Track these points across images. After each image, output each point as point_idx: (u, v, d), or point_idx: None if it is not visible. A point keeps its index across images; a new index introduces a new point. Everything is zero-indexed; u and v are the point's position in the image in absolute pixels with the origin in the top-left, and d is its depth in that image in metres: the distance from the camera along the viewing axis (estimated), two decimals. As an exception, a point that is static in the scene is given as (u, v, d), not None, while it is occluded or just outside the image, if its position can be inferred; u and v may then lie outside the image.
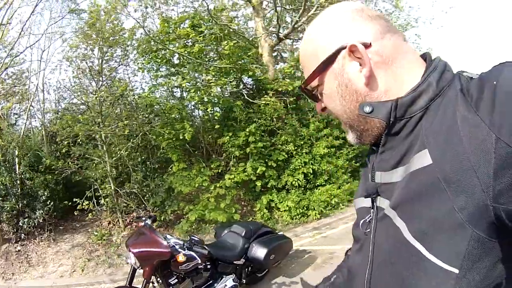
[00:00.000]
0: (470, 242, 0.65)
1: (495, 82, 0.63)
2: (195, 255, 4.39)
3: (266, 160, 9.16)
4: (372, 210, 0.93)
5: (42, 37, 10.75)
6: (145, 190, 8.29)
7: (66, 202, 7.66)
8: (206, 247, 4.66)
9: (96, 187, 8.00)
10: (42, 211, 7.43)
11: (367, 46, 0.81)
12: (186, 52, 8.07)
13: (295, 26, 9.78)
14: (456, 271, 0.68)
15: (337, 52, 0.85)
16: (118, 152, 8.18)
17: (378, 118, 0.83)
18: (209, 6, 8.14)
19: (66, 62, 9.00)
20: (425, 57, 0.88)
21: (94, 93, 8.34)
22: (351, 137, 0.95)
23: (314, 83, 0.92)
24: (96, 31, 8.20)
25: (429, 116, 0.77)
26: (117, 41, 8.84)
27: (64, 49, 9.36)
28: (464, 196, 0.64)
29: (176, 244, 4.33)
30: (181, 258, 4.16)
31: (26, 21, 9.53)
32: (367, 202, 0.97)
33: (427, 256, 0.70)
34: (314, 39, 0.91)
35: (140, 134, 8.22)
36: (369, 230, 0.93)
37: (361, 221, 0.97)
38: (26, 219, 7.38)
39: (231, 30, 9.15)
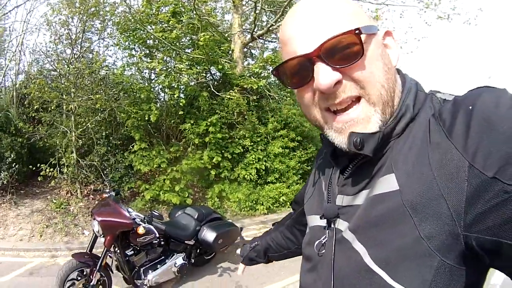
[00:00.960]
0: (438, 270, 0.64)
1: (471, 107, 0.62)
2: (153, 229, 4.63)
3: (223, 151, 9.43)
4: (328, 231, 0.88)
5: (30, -1, 10.50)
6: (105, 164, 8.35)
7: (31, 166, 7.61)
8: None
9: (60, 155, 7.98)
10: (6, 173, 7.36)
11: None
12: (163, 36, 8.20)
13: (270, 28, 10.07)
14: None
15: (376, 29, 0.77)
16: (84, 124, 8.18)
17: (366, 154, 0.75)
18: None
19: (46, 26, 8.89)
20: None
21: (69, 61, 8.28)
22: (373, 120, 0.76)
23: (348, 39, 0.71)
24: (80, 0, 8.17)
25: (400, 141, 0.75)
26: (97, 12, 8.79)
27: (47, 13, 9.18)
28: (432, 224, 0.63)
29: (137, 217, 4.55)
30: (141, 230, 4.38)
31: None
32: (322, 222, 0.92)
33: (390, 283, 0.68)
34: (354, 5, 0.79)
35: (108, 109, 8.27)
36: (323, 251, 0.88)
37: (316, 242, 0.91)
38: (-9, 179, 7.30)
39: (209, 22, 9.33)
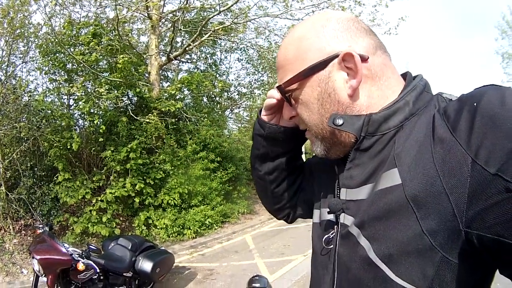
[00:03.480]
0: (439, 266, 0.64)
1: (475, 104, 0.62)
2: (93, 264, 4.42)
3: (145, 177, 9.23)
4: (335, 226, 0.88)
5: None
6: (32, 198, 7.88)
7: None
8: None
9: None
10: None
11: (361, 58, 0.77)
12: (83, 59, 7.93)
13: (186, 48, 10.08)
14: None
15: (329, 59, 0.80)
16: (10, 155, 7.70)
17: (349, 132, 0.80)
18: (117, 16, 8.03)
19: None
20: (405, 76, 0.87)
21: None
22: (318, 148, 0.90)
23: (293, 86, 0.86)
24: (8, 20, 7.80)
25: (403, 135, 0.75)
26: (23, 34, 8.45)
27: None
28: (434, 219, 0.63)
29: (74, 253, 4.32)
30: (81, 266, 4.18)
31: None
32: (330, 217, 0.92)
33: (393, 278, 0.69)
34: (303, 39, 0.84)
35: (32, 138, 7.81)
36: (332, 246, 0.88)
37: (324, 237, 0.92)
38: None
39: (127, 44, 9.12)
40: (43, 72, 9.18)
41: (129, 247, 5.37)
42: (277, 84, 0.91)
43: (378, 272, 0.71)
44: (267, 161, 1.21)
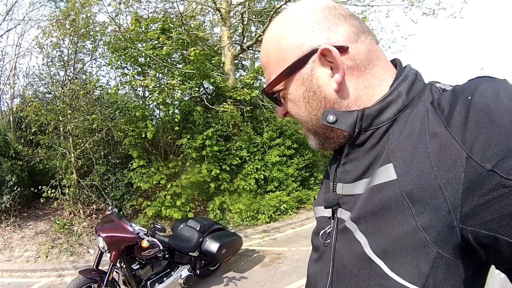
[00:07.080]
0: (434, 263, 0.64)
1: (470, 97, 0.61)
2: (157, 242, 4.68)
3: (221, 164, 9.52)
4: (332, 221, 0.87)
5: (21, 22, 10.85)
6: (106, 184, 8.44)
7: (32, 189, 7.70)
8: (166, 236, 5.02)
9: (60, 176, 8.06)
10: (9, 196, 7.43)
11: (340, 49, 0.75)
12: (154, 54, 8.34)
13: (259, 38, 10.21)
14: None
15: (308, 55, 0.78)
16: (82, 145, 8.29)
17: (342, 129, 0.78)
18: (181, 12, 8.39)
19: (38, 49, 9.04)
20: (395, 63, 0.85)
21: (63, 83, 8.42)
22: (313, 142, 0.90)
23: (278, 86, 0.85)
24: (70, 21, 8.29)
25: (397, 128, 0.74)
26: (88, 33, 8.93)
27: (38, 36, 9.40)
28: (429, 215, 0.62)
29: (140, 231, 4.60)
30: (145, 244, 4.44)
31: (13, 6, 9.76)
32: (327, 212, 0.91)
33: (388, 273, 0.68)
34: (280, 38, 0.82)
35: (105, 129, 8.39)
36: (328, 241, 0.87)
37: (321, 232, 0.90)
38: (-7, 203, 7.37)
39: (198, 36, 9.47)
40: (114, 67, 9.66)
41: (198, 228, 5.64)
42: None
43: (374, 267, 0.70)
44: None
